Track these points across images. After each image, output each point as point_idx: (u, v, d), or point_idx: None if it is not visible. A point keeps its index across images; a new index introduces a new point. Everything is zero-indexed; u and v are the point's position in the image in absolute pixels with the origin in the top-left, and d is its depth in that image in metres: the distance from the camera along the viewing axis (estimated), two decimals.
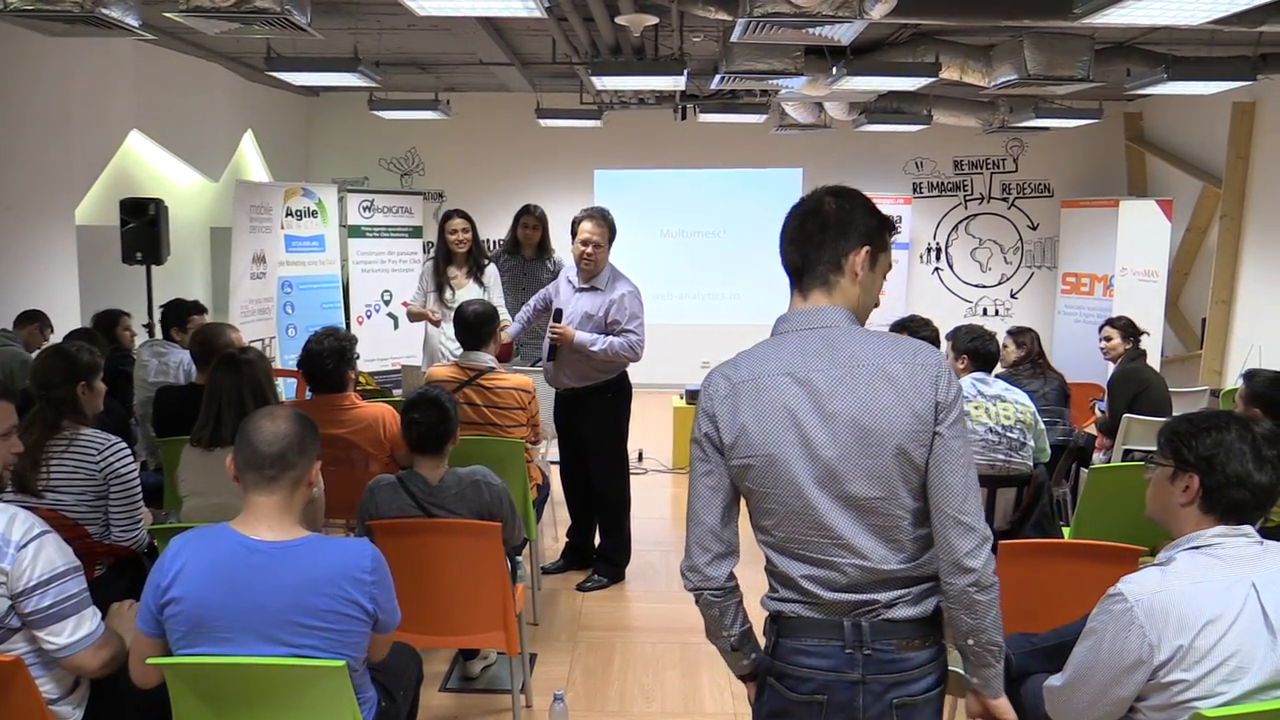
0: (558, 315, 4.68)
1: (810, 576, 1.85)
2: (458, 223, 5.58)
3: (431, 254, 5.84)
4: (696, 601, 1.95)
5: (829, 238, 1.89)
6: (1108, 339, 5.80)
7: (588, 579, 5.00)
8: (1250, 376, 4.00)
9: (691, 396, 7.49)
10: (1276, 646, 1.94)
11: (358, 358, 4.08)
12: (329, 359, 3.85)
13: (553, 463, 5.41)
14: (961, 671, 2.00)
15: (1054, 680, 2.19)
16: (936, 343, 5.32)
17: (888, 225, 1.97)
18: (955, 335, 4.54)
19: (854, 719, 1.86)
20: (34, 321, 5.58)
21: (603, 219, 4.71)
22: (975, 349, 4.41)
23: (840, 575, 1.83)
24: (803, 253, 1.90)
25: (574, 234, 4.71)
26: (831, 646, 1.85)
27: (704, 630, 2.00)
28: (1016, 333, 5.74)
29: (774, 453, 1.82)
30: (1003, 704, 1.95)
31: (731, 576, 1.94)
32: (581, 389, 4.79)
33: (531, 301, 5.15)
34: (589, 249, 4.66)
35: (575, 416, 4.89)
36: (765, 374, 1.84)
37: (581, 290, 4.76)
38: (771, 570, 1.91)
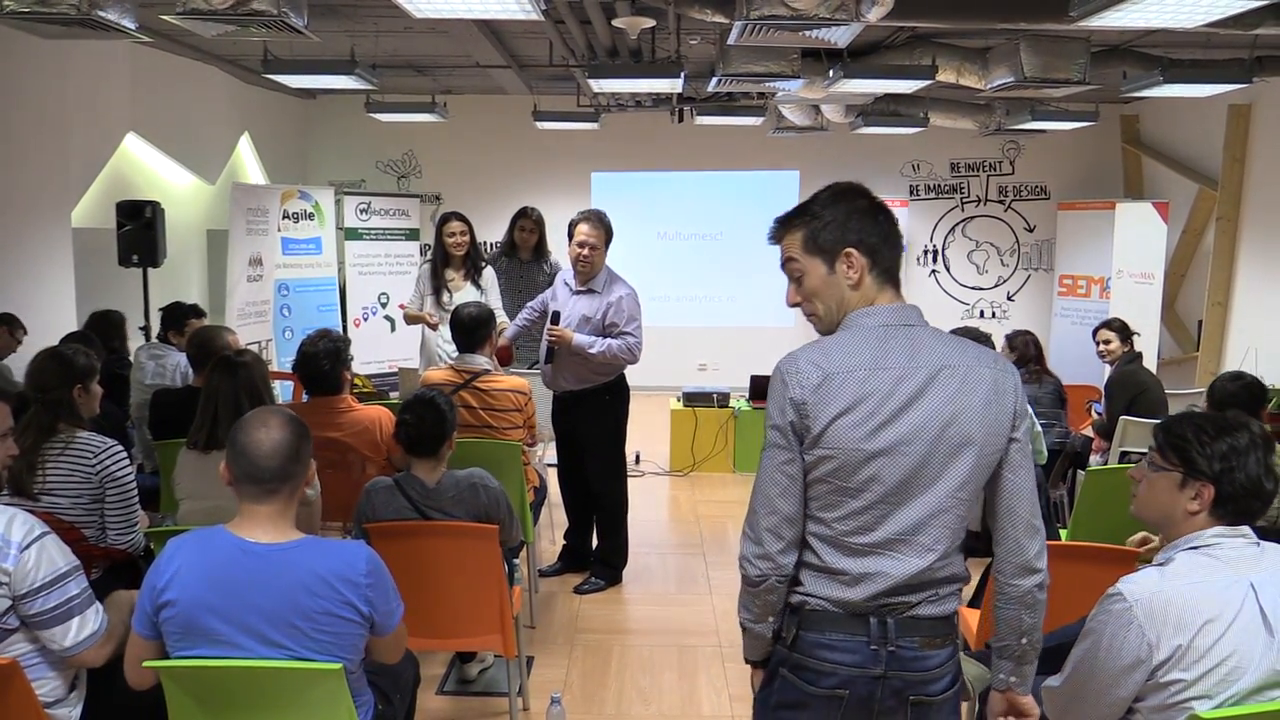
0: (555, 318, 4.68)
1: (861, 573, 1.85)
2: (455, 225, 5.58)
3: (429, 257, 5.84)
4: (757, 586, 1.90)
5: (899, 237, 1.97)
6: (1106, 342, 5.81)
7: (585, 581, 5.00)
8: (1220, 377, 4.05)
9: (690, 399, 7.49)
10: (1274, 646, 1.94)
11: (352, 359, 4.08)
12: (324, 360, 3.85)
13: (550, 465, 5.40)
14: (972, 677, 2.02)
15: (1052, 681, 2.19)
16: None
17: None
18: None
19: (870, 713, 1.88)
20: (4, 324, 5.54)
21: (599, 221, 4.71)
22: None
23: (893, 571, 1.84)
24: (890, 247, 1.93)
25: (570, 236, 4.71)
26: (857, 641, 1.86)
27: (741, 611, 1.97)
28: (1011, 337, 5.76)
29: (865, 448, 1.81)
30: (1030, 701, 2.02)
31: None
32: (579, 391, 4.79)
33: (530, 305, 5.15)
34: (585, 251, 4.67)
35: (573, 419, 4.89)
36: (859, 367, 1.84)
37: (579, 293, 4.76)
38: (810, 563, 1.90)
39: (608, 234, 4.74)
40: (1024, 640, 1.95)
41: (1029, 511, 1.90)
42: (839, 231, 1.92)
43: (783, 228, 2.00)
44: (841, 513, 1.86)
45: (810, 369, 1.85)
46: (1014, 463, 1.89)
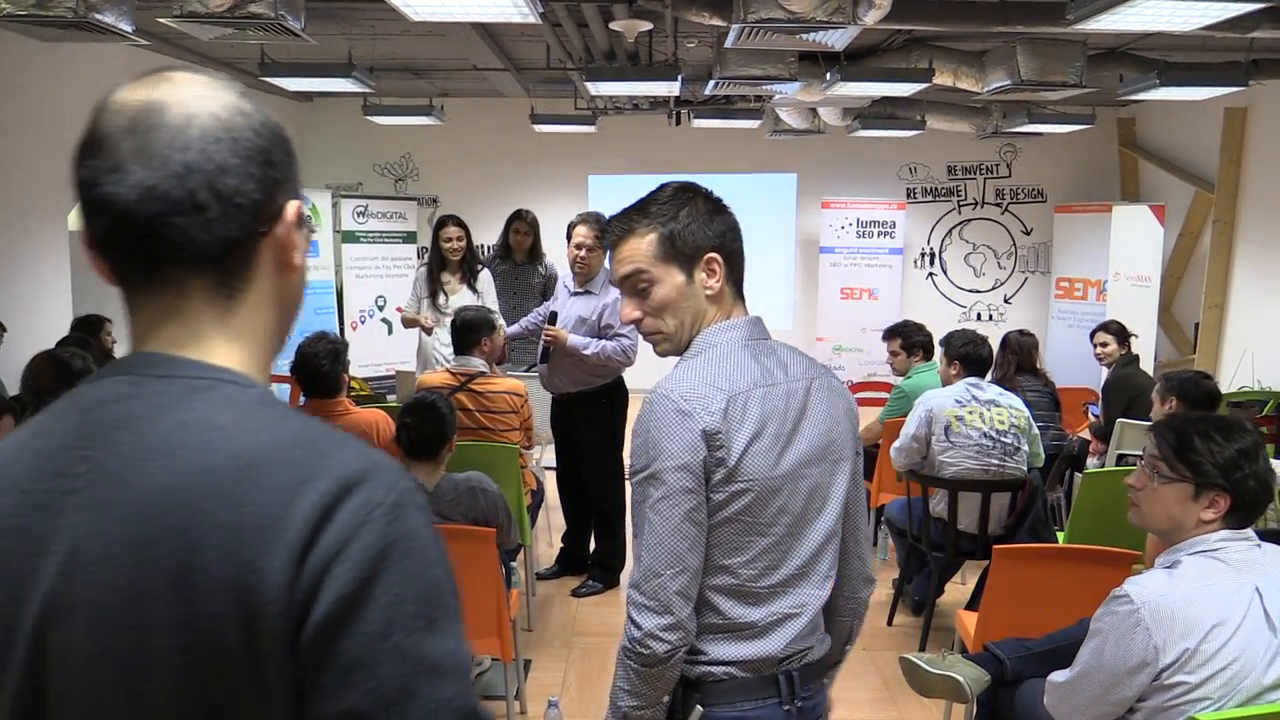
0: (552, 318, 4.68)
1: (770, 621, 1.65)
2: (452, 230, 5.58)
3: (425, 260, 5.84)
4: (664, 663, 1.60)
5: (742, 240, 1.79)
6: (1103, 344, 5.81)
7: (582, 585, 4.99)
8: (1166, 377, 4.39)
9: None
10: (1278, 648, 1.95)
11: (349, 363, 4.08)
12: (324, 360, 3.84)
13: (548, 468, 5.40)
14: (969, 679, 2.02)
15: (1057, 676, 2.19)
16: (930, 348, 5.34)
17: None
18: (948, 341, 4.55)
19: None
20: None
21: (597, 223, 4.71)
22: (967, 354, 4.42)
23: (801, 608, 1.68)
24: (741, 253, 1.75)
25: (569, 239, 4.72)
26: (769, 706, 1.67)
27: (625, 699, 1.66)
28: (1000, 345, 5.73)
29: (776, 474, 1.63)
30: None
31: None
32: (577, 394, 4.78)
33: (539, 311, 5.16)
34: (583, 253, 4.67)
35: (570, 421, 4.89)
36: (754, 385, 1.64)
37: (576, 294, 4.77)
38: (711, 624, 1.65)
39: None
40: (848, 647, 1.88)
41: (864, 525, 1.84)
42: (700, 234, 1.68)
43: (626, 232, 1.72)
44: (749, 555, 1.64)
45: (712, 392, 1.60)
46: (858, 476, 1.78)
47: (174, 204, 0.84)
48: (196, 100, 0.88)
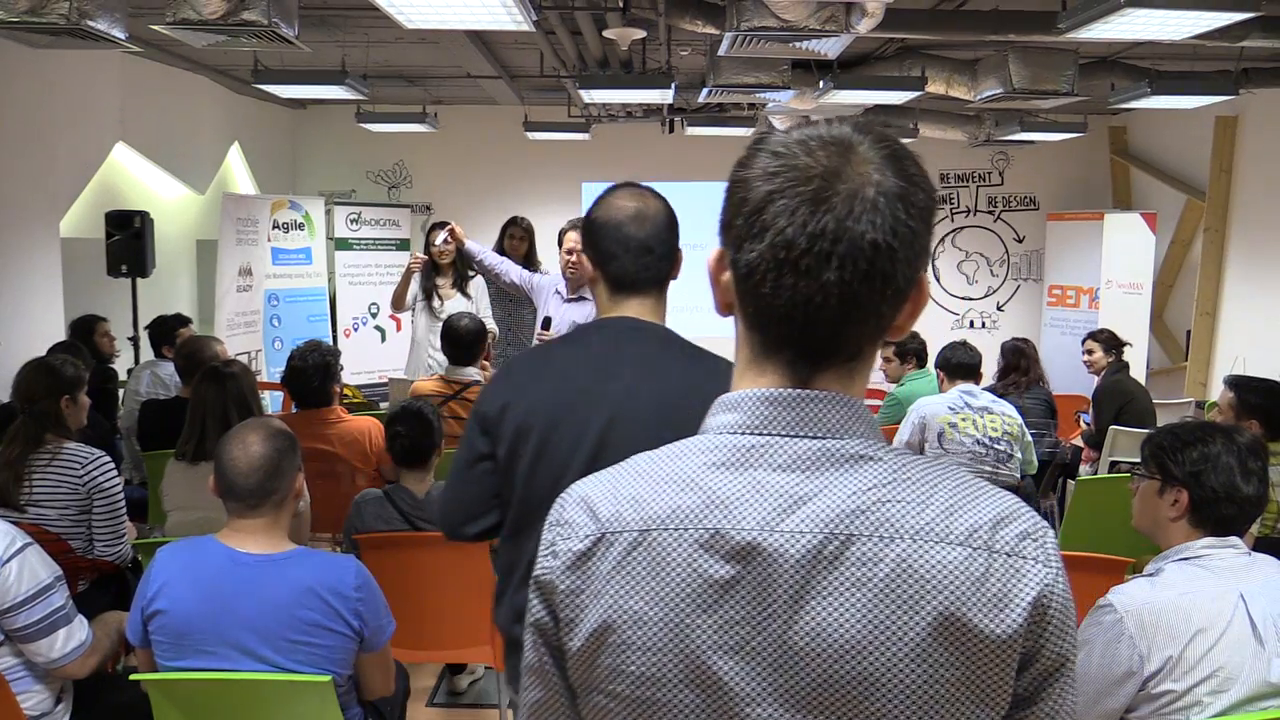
0: (546, 323, 4.67)
1: None
2: (438, 234, 5.61)
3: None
4: None
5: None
6: (1090, 352, 5.82)
7: None
8: (1240, 386, 3.87)
9: None
10: (1264, 657, 1.94)
11: (341, 369, 4.07)
12: (314, 377, 3.83)
13: None
14: None
15: None
16: (923, 356, 5.34)
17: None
18: (937, 357, 4.61)
19: None
20: None
21: None
22: (946, 360, 4.46)
23: None
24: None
25: (560, 244, 4.71)
26: None
27: None
28: (1012, 353, 5.73)
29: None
30: None
31: None
32: None
33: (518, 273, 5.06)
34: (574, 257, 4.66)
35: None
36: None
37: (570, 301, 4.75)
38: None
39: None
40: None
41: None
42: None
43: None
44: None
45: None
46: None
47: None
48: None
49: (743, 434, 0.94)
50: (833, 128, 0.93)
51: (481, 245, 4.96)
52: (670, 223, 1.83)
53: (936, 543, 0.88)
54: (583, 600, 0.94)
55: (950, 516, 0.89)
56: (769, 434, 0.93)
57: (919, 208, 0.91)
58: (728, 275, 0.97)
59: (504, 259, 5.09)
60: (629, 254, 1.79)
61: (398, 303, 5.68)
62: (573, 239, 4.66)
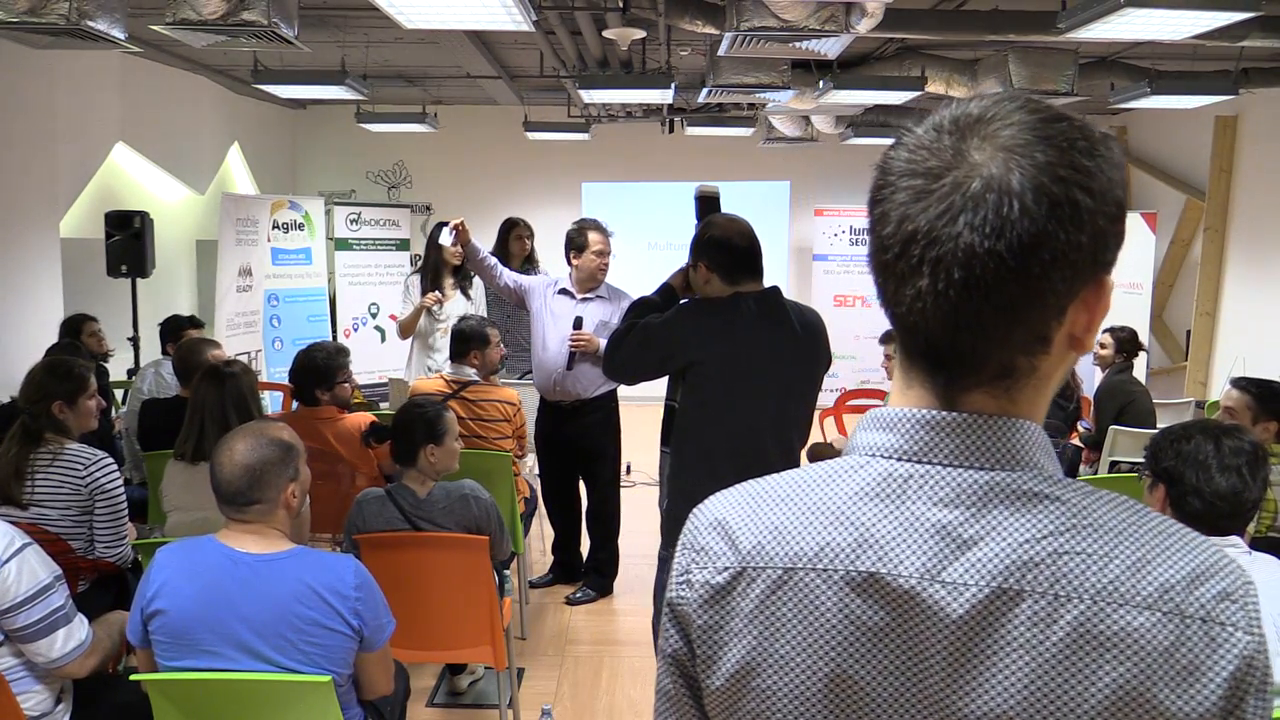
0: (578, 323, 4.65)
1: None
2: (444, 233, 5.57)
3: (417, 267, 5.83)
4: None
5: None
6: (1102, 345, 5.78)
7: (577, 591, 4.98)
8: (1265, 394, 3.80)
9: None
10: None
11: (346, 382, 4.08)
12: (311, 375, 3.87)
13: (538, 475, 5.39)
14: None
15: None
16: None
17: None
18: None
19: None
20: None
21: (606, 230, 4.78)
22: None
23: None
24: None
25: (577, 245, 4.71)
26: None
27: None
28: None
29: None
30: None
31: None
32: (591, 399, 4.78)
33: (516, 279, 5.01)
34: (605, 260, 4.72)
35: (579, 427, 4.84)
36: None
37: (585, 300, 4.75)
38: None
39: None
40: None
41: None
42: None
43: None
44: None
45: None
46: None
47: None
48: None
49: (898, 459, 0.83)
50: (970, 105, 0.81)
51: (479, 244, 4.98)
52: None
53: (1119, 605, 0.76)
54: (721, 638, 0.87)
55: (1137, 573, 0.77)
56: (928, 462, 0.82)
57: (1067, 202, 0.76)
58: None
59: (498, 262, 5.09)
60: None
61: (404, 332, 5.69)
62: (601, 241, 4.70)
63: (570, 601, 4.93)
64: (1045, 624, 0.77)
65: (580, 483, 5.03)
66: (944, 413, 0.82)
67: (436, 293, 5.47)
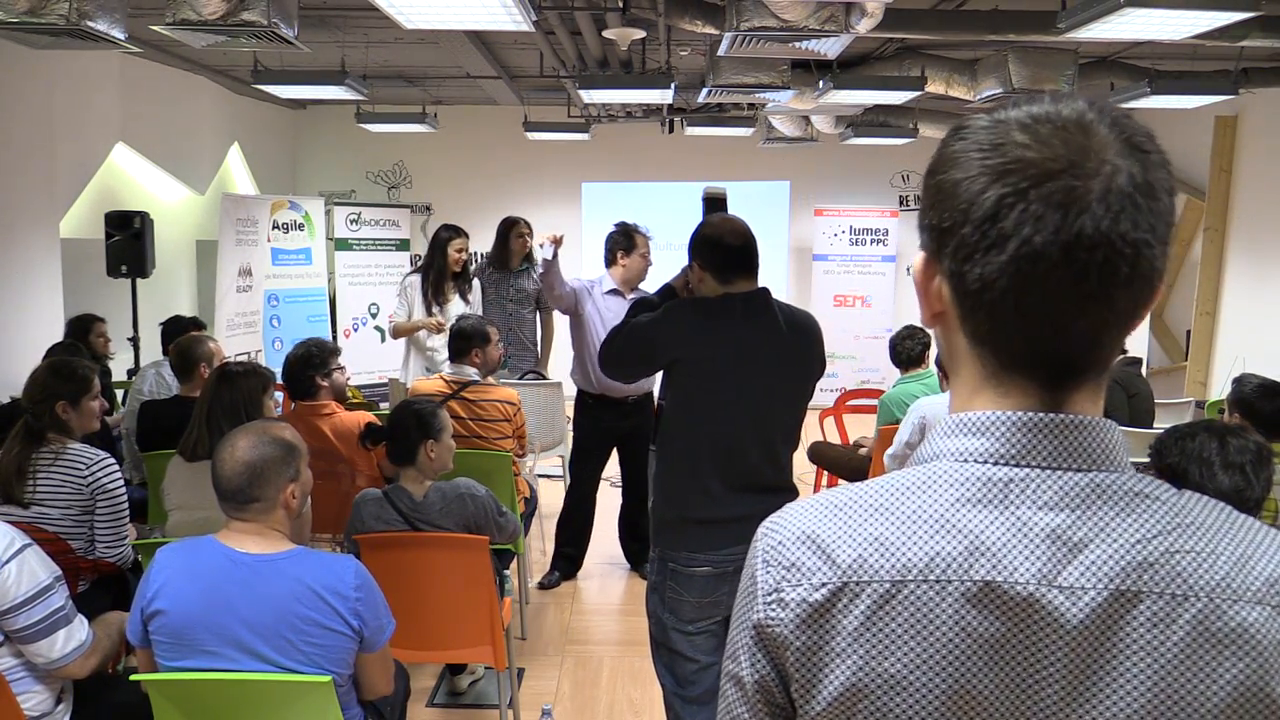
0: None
1: None
2: (462, 241, 5.67)
3: (416, 268, 5.84)
4: None
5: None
6: None
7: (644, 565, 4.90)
8: (1241, 383, 3.75)
9: None
10: None
11: (342, 369, 4.07)
12: (300, 366, 3.90)
13: (541, 475, 5.38)
14: None
15: None
16: (927, 350, 5.35)
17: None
18: (938, 356, 4.66)
19: None
20: None
21: (648, 234, 5.03)
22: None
23: None
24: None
25: (625, 246, 4.86)
26: None
27: None
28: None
29: None
30: None
31: None
32: (641, 396, 4.90)
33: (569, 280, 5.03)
34: (650, 261, 4.96)
35: (635, 422, 4.90)
36: None
37: (614, 294, 4.89)
38: None
39: None
40: None
41: None
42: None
43: None
44: None
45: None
46: None
47: None
48: None
49: (996, 464, 0.81)
50: (1061, 106, 0.82)
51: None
52: None
53: (1234, 602, 0.76)
54: (822, 659, 0.82)
55: (1244, 569, 0.78)
56: (1028, 465, 0.81)
57: (1167, 190, 0.80)
58: (938, 282, 0.86)
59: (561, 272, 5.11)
60: None
61: (398, 335, 5.81)
62: (647, 244, 4.94)
63: (638, 570, 5.04)
64: (1165, 624, 0.76)
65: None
66: (1048, 415, 0.81)
67: (440, 318, 5.49)
